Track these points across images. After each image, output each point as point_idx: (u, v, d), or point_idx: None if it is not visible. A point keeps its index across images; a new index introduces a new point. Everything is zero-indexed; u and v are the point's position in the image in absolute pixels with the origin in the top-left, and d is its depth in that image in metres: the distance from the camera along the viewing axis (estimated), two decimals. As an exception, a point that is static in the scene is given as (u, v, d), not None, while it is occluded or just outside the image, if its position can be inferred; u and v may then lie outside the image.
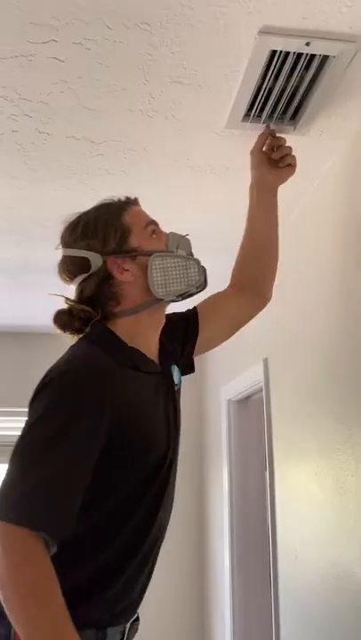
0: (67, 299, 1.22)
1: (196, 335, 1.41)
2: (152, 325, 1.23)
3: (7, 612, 0.91)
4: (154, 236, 1.24)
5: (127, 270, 1.17)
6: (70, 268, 1.23)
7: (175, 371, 1.27)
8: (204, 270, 1.26)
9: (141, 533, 1.08)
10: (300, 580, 2.19)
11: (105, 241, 1.18)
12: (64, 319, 1.21)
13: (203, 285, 1.28)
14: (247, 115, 1.79)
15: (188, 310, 1.47)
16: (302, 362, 2.30)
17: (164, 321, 1.30)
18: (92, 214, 1.26)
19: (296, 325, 2.39)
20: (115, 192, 2.24)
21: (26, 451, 0.98)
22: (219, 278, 3.22)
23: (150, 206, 2.42)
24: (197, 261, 1.22)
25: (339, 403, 1.93)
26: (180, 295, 1.25)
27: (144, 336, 1.20)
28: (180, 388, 1.29)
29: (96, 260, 1.17)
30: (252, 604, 3.12)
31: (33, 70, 1.59)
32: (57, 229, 2.52)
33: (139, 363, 1.16)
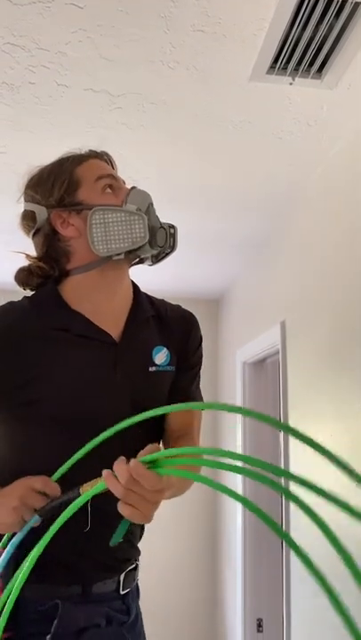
0: (27, 255, 1.18)
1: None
2: (105, 288, 1.13)
3: None
4: (108, 190, 1.12)
5: (72, 225, 1.10)
6: (23, 222, 1.17)
7: (161, 352, 1.19)
8: (153, 227, 1.11)
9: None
10: (313, 540, 2.22)
11: (50, 193, 1.11)
12: (22, 276, 1.18)
13: (161, 244, 1.13)
14: (272, 67, 1.72)
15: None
16: (320, 325, 2.27)
17: (129, 285, 1.19)
18: (47, 167, 1.16)
19: (315, 288, 2.36)
20: (132, 147, 2.21)
21: None
22: (234, 238, 3.19)
23: (168, 163, 2.38)
24: (143, 217, 1.07)
25: (356, 366, 1.91)
26: (131, 252, 1.10)
27: (93, 298, 1.12)
28: (161, 371, 1.17)
29: (41, 213, 1.12)
30: (263, 561, 3.18)
31: (51, 17, 1.54)
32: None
33: (74, 326, 1.09)
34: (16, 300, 1.15)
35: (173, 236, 1.17)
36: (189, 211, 2.71)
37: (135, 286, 1.22)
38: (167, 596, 3.82)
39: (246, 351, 3.36)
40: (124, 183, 1.19)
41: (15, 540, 0.86)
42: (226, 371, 3.88)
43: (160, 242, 1.12)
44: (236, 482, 3.40)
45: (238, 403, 3.44)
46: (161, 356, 1.19)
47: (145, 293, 1.23)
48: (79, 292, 1.12)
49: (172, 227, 1.17)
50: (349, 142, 2.06)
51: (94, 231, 1.07)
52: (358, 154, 1.99)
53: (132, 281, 1.22)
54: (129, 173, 2.40)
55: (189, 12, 1.52)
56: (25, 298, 1.15)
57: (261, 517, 0.64)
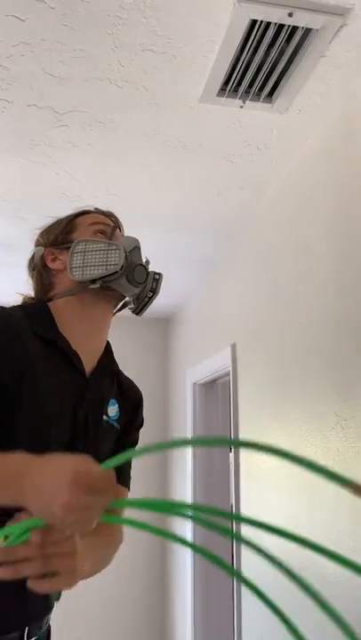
0: (20, 294, 1.29)
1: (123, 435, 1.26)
2: (83, 317, 1.17)
3: None
4: (99, 234, 1.22)
5: (59, 260, 1.20)
6: (28, 266, 1.29)
7: (114, 406, 1.22)
8: (132, 263, 1.15)
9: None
10: (263, 568, 2.17)
11: (48, 235, 1.25)
12: None
13: (139, 281, 1.17)
14: (223, 89, 1.68)
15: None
16: (270, 347, 2.24)
17: (105, 327, 1.22)
18: (56, 219, 1.28)
19: (264, 311, 2.33)
20: (79, 166, 2.13)
21: None
22: (184, 258, 3.14)
23: (117, 183, 2.31)
24: (121, 248, 1.14)
25: (305, 389, 1.88)
26: (102, 279, 1.14)
27: (75, 328, 1.15)
28: (110, 424, 1.19)
29: (38, 252, 1.24)
30: (212, 592, 3.11)
31: (-9, 29, 1.45)
32: (15, 205, 2.41)
33: (58, 342, 1.12)
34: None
35: (157, 281, 1.25)
36: (139, 230, 2.64)
37: (107, 341, 1.26)
38: (116, 627, 3.69)
39: (197, 372, 3.31)
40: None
41: None
42: (176, 391, 3.81)
43: (138, 278, 1.17)
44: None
45: (189, 423, 3.38)
46: (113, 410, 1.22)
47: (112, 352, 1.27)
48: (63, 318, 1.15)
49: (158, 274, 1.24)
50: (299, 167, 2.05)
51: (73, 258, 1.14)
52: (308, 178, 1.98)
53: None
54: (76, 192, 2.32)
55: (138, 30, 1.47)
56: (17, 306, 1.18)
57: (208, 557, 0.57)
